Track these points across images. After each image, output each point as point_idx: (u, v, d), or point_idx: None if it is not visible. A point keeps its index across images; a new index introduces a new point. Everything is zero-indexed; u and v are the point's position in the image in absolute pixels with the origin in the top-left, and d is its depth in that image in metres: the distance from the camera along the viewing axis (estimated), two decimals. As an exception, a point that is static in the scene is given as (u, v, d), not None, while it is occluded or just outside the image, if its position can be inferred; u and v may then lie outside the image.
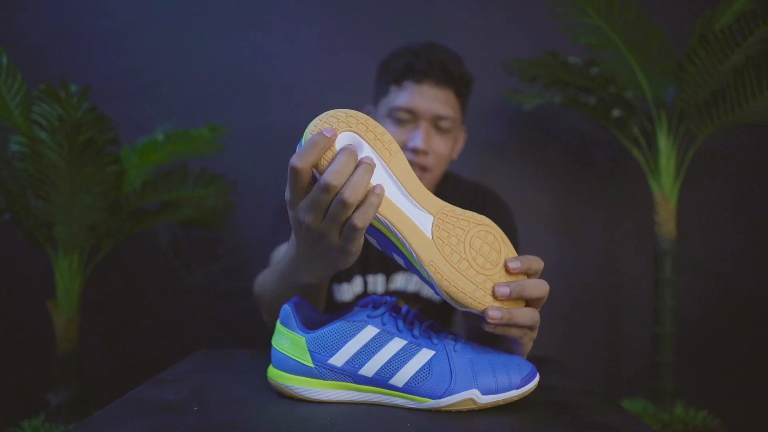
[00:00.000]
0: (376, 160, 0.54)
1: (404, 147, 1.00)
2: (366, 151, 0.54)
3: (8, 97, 1.22)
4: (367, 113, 1.11)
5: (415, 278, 1.09)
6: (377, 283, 1.10)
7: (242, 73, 1.70)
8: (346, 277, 1.09)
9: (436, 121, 1.01)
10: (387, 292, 1.10)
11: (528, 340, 0.60)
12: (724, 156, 1.77)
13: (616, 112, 1.54)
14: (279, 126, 1.70)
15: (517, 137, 1.78)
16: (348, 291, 1.10)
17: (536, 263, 0.58)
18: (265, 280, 0.81)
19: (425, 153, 1.00)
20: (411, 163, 1.00)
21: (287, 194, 0.54)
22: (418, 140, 0.99)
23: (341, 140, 0.53)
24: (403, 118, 1.00)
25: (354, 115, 0.54)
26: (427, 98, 1.00)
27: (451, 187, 1.16)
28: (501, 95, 1.69)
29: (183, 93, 1.69)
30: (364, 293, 1.10)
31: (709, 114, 1.44)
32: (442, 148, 1.03)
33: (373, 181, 0.53)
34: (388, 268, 1.10)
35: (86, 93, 1.16)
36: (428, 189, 0.96)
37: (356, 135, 0.53)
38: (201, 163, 1.55)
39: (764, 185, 1.78)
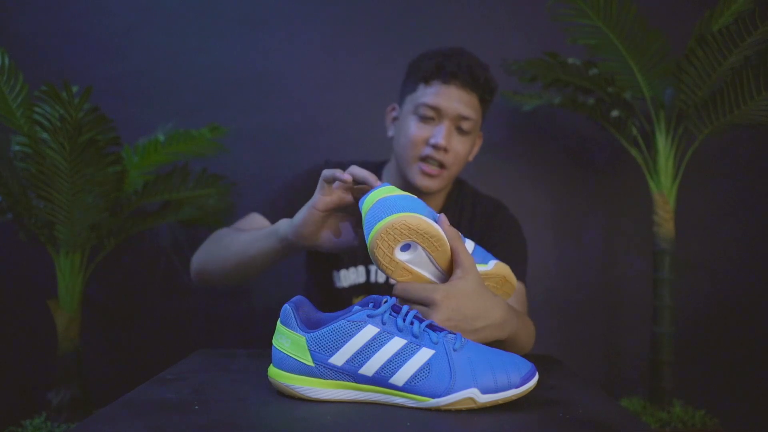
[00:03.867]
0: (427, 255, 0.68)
1: (426, 143, 1.05)
2: (420, 250, 0.67)
3: (10, 97, 1.22)
4: (391, 110, 1.17)
5: None
6: (379, 272, 1.14)
7: (243, 74, 1.70)
8: (348, 263, 1.14)
9: (458, 122, 1.05)
10: (388, 284, 1.14)
11: (443, 321, 0.65)
12: (722, 156, 1.78)
13: (614, 113, 1.54)
14: (279, 127, 1.70)
15: (517, 137, 1.78)
16: (348, 278, 1.15)
17: (421, 293, 0.66)
18: (230, 239, 0.94)
19: (445, 150, 1.04)
20: (430, 158, 1.05)
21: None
22: (439, 137, 1.03)
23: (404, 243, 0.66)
24: (427, 115, 1.05)
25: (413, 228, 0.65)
26: (453, 99, 1.04)
27: (468, 199, 1.20)
28: (500, 96, 1.69)
29: (184, 94, 1.69)
30: (367, 281, 1.15)
31: (708, 114, 1.44)
32: (461, 148, 1.07)
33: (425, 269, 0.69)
34: None
35: (88, 94, 1.16)
36: (443, 187, 1.10)
37: (416, 242, 0.66)
38: (202, 164, 1.55)
39: (762, 185, 1.78)
